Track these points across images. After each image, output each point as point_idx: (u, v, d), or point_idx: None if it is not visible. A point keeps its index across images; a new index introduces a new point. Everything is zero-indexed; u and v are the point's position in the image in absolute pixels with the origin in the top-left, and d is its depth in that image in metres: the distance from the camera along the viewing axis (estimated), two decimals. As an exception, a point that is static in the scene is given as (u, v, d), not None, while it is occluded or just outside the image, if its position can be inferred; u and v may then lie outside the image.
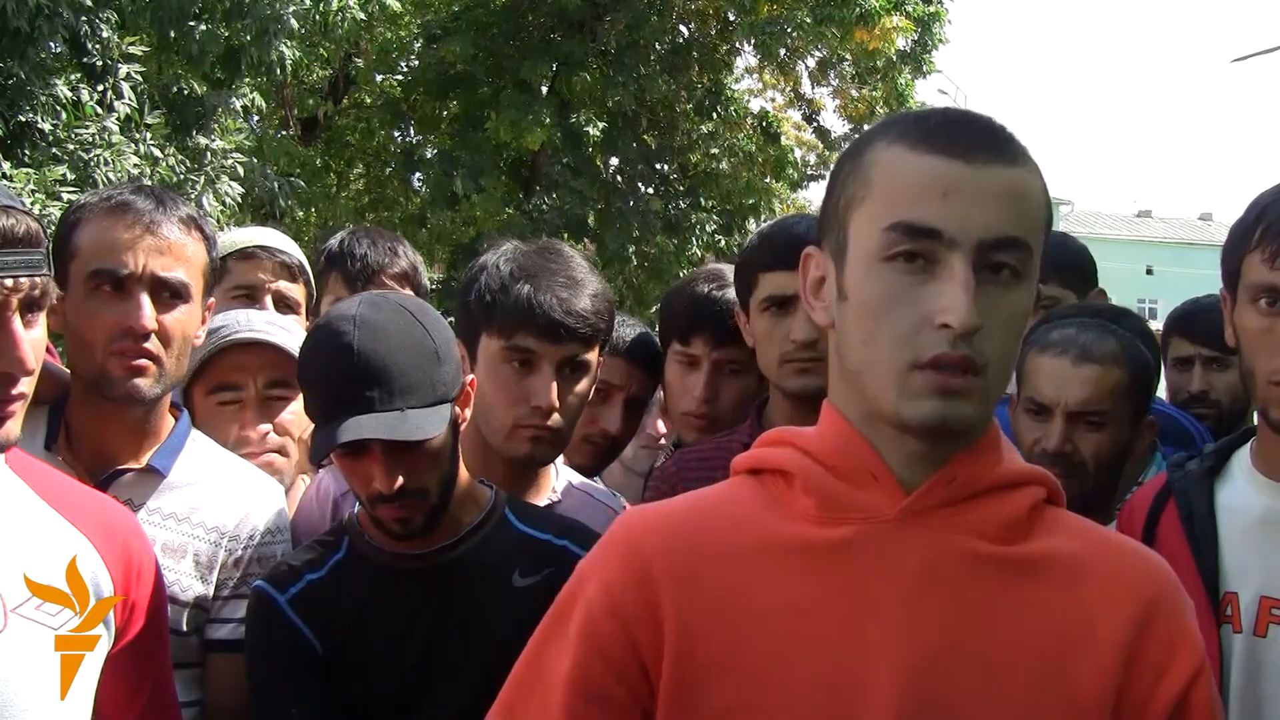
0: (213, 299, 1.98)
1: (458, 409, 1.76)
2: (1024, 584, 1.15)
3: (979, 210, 1.10)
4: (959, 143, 1.12)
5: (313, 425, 1.74)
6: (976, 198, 1.10)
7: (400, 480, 1.67)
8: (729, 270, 2.40)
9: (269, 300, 2.56)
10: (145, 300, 1.80)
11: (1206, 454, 1.76)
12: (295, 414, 2.19)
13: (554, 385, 1.96)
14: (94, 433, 1.87)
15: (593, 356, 2.02)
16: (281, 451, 2.19)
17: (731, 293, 2.30)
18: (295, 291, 2.62)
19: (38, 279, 1.37)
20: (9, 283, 1.34)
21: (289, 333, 2.21)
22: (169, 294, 1.83)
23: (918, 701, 1.10)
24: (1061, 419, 2.06)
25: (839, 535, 1.16)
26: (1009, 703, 1.12)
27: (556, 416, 1.97)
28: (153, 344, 1.80)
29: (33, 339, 1.39)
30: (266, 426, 2.17)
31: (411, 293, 2.55)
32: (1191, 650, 1.16)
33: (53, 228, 1.51)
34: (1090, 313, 2.22)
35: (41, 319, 1.41)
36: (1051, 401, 2.07)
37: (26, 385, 1.39)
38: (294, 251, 2.67)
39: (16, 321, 1.36)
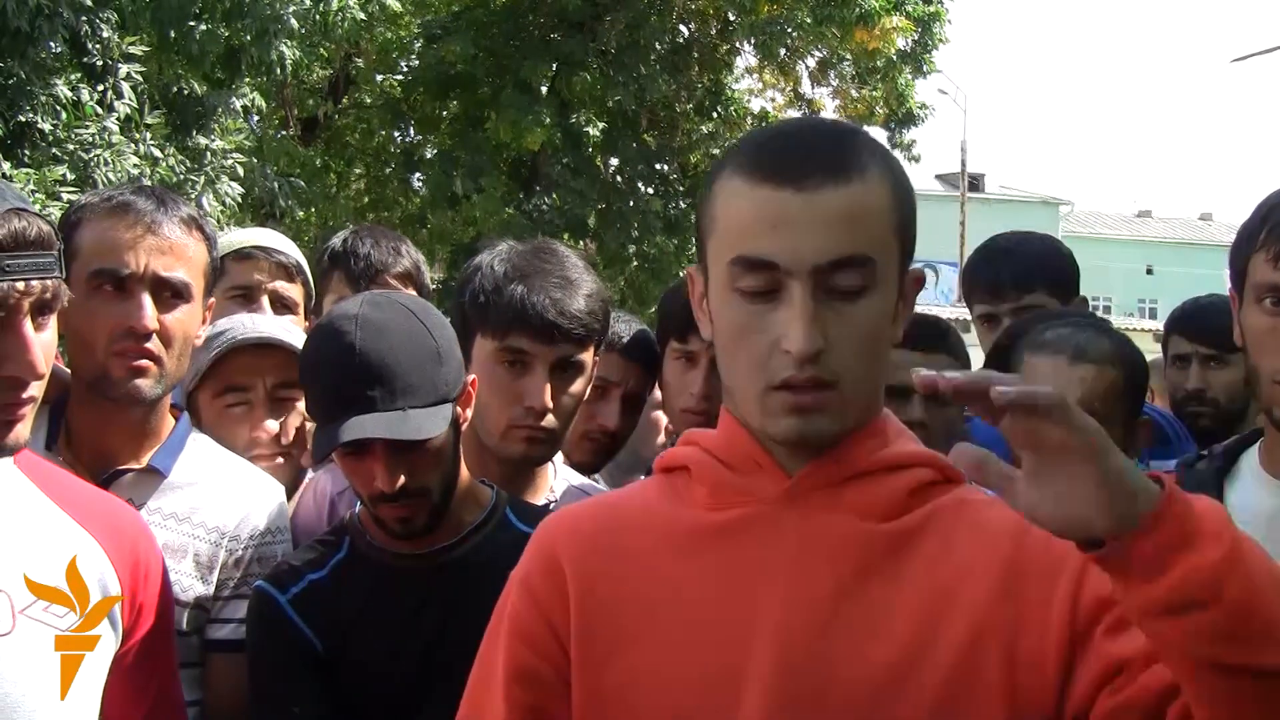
0: (213, 299, 1.98)
1: (459, 409, 1.76)
2: (900, 554, 1.22)
3: (810, 237, 1.15)
4: (789, 170, 1.16)
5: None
6: (807, 225, 1.15)
7: (402, 480, 1.67)
8: None
9: (265, 301, 2.55)
10: (147, 300, 1.80)
11: (1215, 454, 1.77)
12: (301, 413, 2.19)
13: (547, 386, 1.96)
14: (95, 433, 1.87)
15: (587, 357, 2.02)
16: (289, 455, 2.19)
17: None
18: (293, 291, 2.61)
19: (49, 282, 1.37)
20: (20, 286, 1.34)
21: (293, 333, 2.21)
22: (170, 294, 1.83)
23: (795, 666, 1.18)
24: None
25: (725, 518, 1.25)
26: (882, 660, 1.17)
27: (550, 417, 1.97)
28: (154, 344, 1.80)
29: (43, 341, 1.39)
30: (275, 425, 2.17)
31: (414, 292, 2.54)
32: (1069, 560, 1.15)
33: (53, 227, 1.51)
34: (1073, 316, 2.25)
35: (52, 321, 1.41)
36: None
37: (36, 389, 1.39)
38: (291, 251, 2.67)
39: (27, 325, 1.36)
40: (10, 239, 1.33)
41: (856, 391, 1.20)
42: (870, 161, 1.18)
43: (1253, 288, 1.59)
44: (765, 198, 1.16)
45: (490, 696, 1.30)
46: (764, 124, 16.70)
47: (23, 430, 1.40)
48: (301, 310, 2.65)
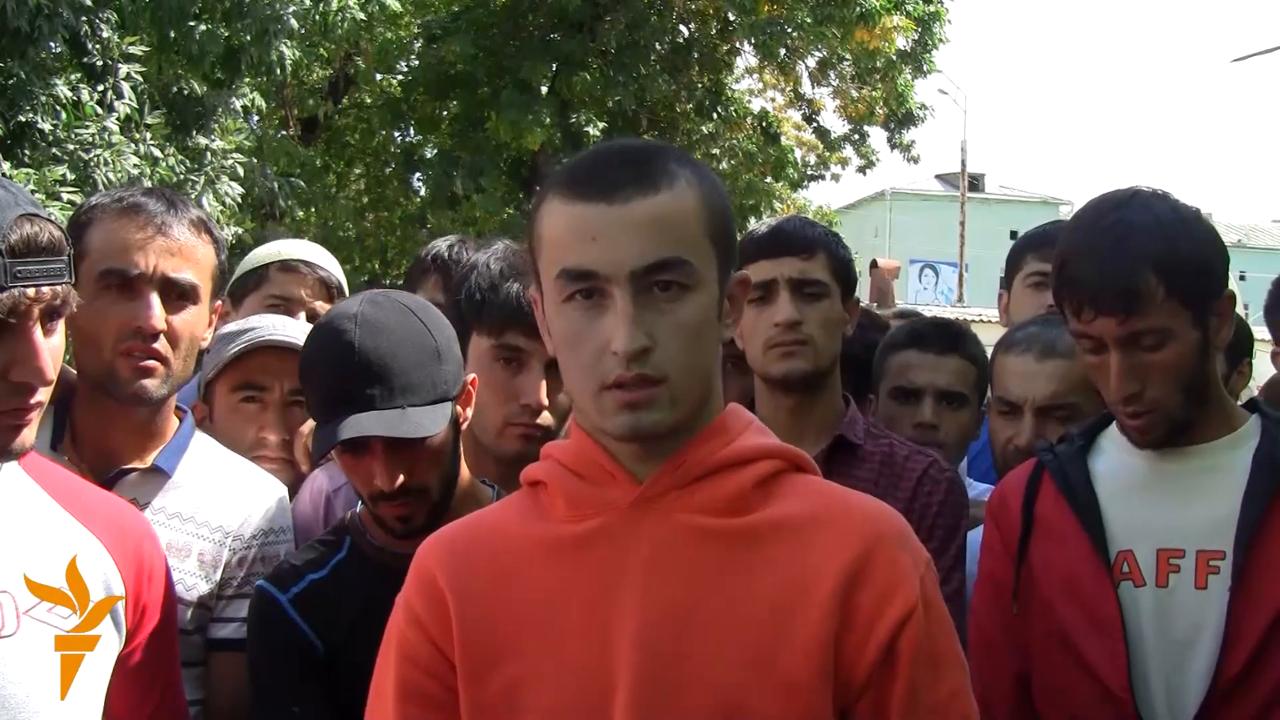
0: (219, 302, 1.98)
1: (459, 408, 1.77)
2: (750, 551, 1.28)
3: (624, 244, 1.23)
4: (600, 186, 1.24)
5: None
6: (622, 234, 1.23)
7: (401, 478, 1.68)
8: None
9: (303, 315, 2.55)
10: (155, 300, 1.81)
11: (1075, 435, 1.85)
12: (300, 431, 2.20)
13: (543, 383, 1.96)
14: (99, 433, 1.88)
15: None
16: (290, 462, 2.19)
17: None
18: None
19: (59, 288, 1.37)
20: (30, 292, 1.34)
21: None
22: (178, 295, 1.84)
23: (652, 668, 1.24)
24: (1031, 415, 2.12)
25: (584, 529, 1.31)
26: (734, 660, 1.23)
27: (546, 415, 1.98)
28: (161, 344, 1.81)
29: (52, 346, 1.39)
30: (285, 433, 2.18)
31: None
32: (904, 595, 1.25)
33: (54, 228, 1.53)
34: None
35: (60, 326, 1.41)
36: (1019, 399, 2.13)
37: (44, 394, 1.40)
38: (335, 270, 2.68)
39: (37, 331, 1.36)
40: (22, 245, 1.33)
41: (686, 385, 1.26)
42: (678, 171, 1.27)
43: (1073, 334, 1.74)
44: (581, 213, 1.25)
45: (384, 718, 1.35)
46: (764, 124, 16.78)
47: (29, 435, 1.40)
48: None
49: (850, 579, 1.25)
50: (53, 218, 1.40)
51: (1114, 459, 1.79)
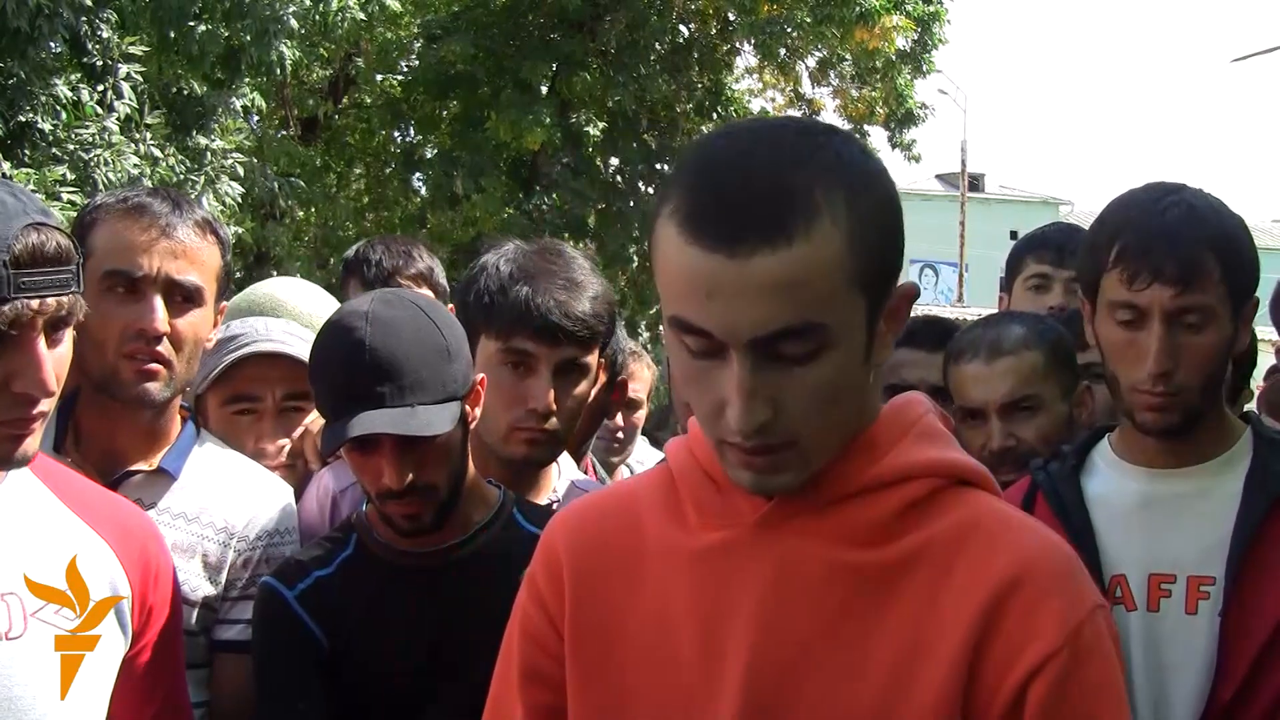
0: (224, 303, 1.97)
1: (468, 407, 1.76)
2: (882, 591, 1.13)
3: (746, 310, 1.04)
4: (722, 232, 1.04)
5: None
6: (741, 296, 1.03)
7: (410, 476, 1.67)
8: None
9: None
10: (159, 303, 1.80)
11: (1067, 454, 1.85)
12: (306, 428, 2.20)
13: (551, 388, 1.96)
14: (103, 434, 1.87)
15: (591, 359, 2.01)
16: (293, 465, 2.19)
17: None
18: None
19: (64, 298, 1.36)
20: (34, 304, 1.32)
21: (306, 342, 2.20)
22: (182, 297, 1.83)
23: (759, 708, 1.12)
24: (995, 417, 2.12)
25: (707, 542, 1.19)
26: (850, 711, 1.11)
27: (554, 419, 1.97)
28: (164, 347, 1.80)
29: (57, 355, 1.38)
30: (285, 441, 2.17)
31: (430, 292, 2.55)
32: (1041, 644, 1.08)
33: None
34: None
35: (67, 334, 1.40)
36: (980, 404, 2.13)
37: (47, 404, 1.39)
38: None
39: (40, 343, 1.35)
40: (27, 255, 1.31)
41: (820, 442, 1.12)
42: (823, 206, 1.04)
43: (1107, 304, 1.70)
44: (697, 262, 1.05)
45: (508, 697, 1.29)
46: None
47: (31, 444, 1.40)
48: None
49: (983, 628, 1.09)
50: (61, 225, 1.39)
51: (1108, 480, 1.79)
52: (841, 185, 1.06)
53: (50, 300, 1.34)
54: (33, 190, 6.88)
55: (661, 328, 1.25)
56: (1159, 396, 1.66)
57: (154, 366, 1.80)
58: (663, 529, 1.23)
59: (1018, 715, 1.08)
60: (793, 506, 1.15)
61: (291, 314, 2.40)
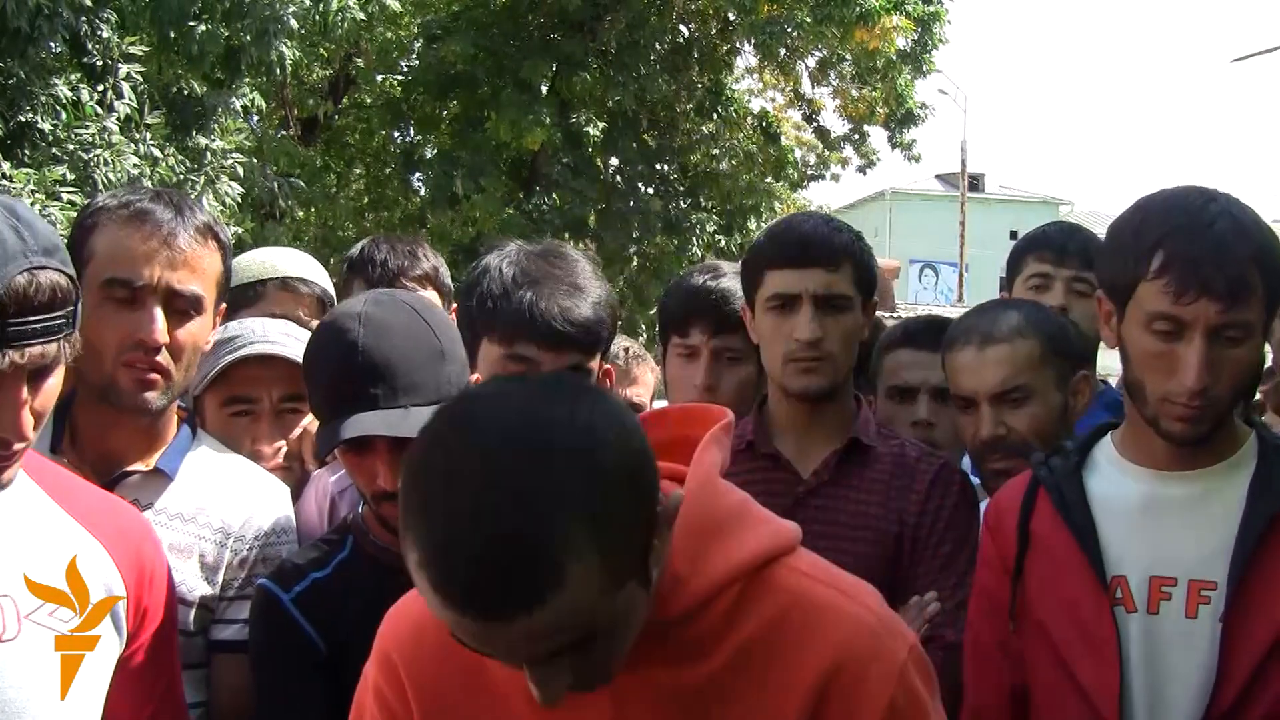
0: (224, 305, 1.97)
1: (463, 408, 1.76)
2: (712, 701, 1.21)
3: (519, 650, 1.08)
4: (480, 607, 1.04)
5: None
6: (512, 643, 1.07)
7: None
8: (725, 264, 2.42)
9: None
10: (158, 313, 1.79)
11: (1070, 450, 1.83)
12: (304, 429, 2.20)
13: None
14: (100, 435, 1.87)
15: (594, 364, 2.00)
16: (290, 466, 2.19)
17: (727, 282, 2.32)
18: None
19: (50, 348, 1.33)
20: (15, 356, 1.29)
21: (302, 342, 2.20)
22: (182, 307, 1.82)
23: None
24: (986, 406, 2.11)
25: None
26: None
27: None
28: (163, 357, 1.80)
29: (44, 392, 1.37)
30: (281, 443, 2.18)
31: (435, 294, 2.55)
32: (865, 717, 1.20)
33: (53, 227, 1.49)
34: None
35: (56, 372, 1.39)
36: (971, 392, 2.12)
37: (23, 445, 1.39)
38: (322, 280, 2.65)
39: (21, 392, 1.34)
40: (15, 304, 1.28)
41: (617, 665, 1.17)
42: (566, 562, 1.02)
43: (1144, 313, 1.64)
44: (462, 620, 1.05)
45: None
46: (764, 124, 16.77)
47: (10, 473, 1.41)
48: None
49: (811, 715, 1.21)
50: (65, 266, 1.35)
51: (1110, 480, 1.77)
52: (583, 509, 1.03)
53: (36, 349, 1.31)
54: (33, 190, 6.90)
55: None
56: (1194, 410, 1.63)
57: (152, 376, 1.80)
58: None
59: None
60: None
61: (279, 268, 2.52)
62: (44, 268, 1.31)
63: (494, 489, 1.02)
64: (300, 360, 2.08)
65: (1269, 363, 3.09)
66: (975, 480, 2.38)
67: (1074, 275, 2.58)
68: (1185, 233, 1.61)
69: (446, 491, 1.04)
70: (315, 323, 2.55)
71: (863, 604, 1.27)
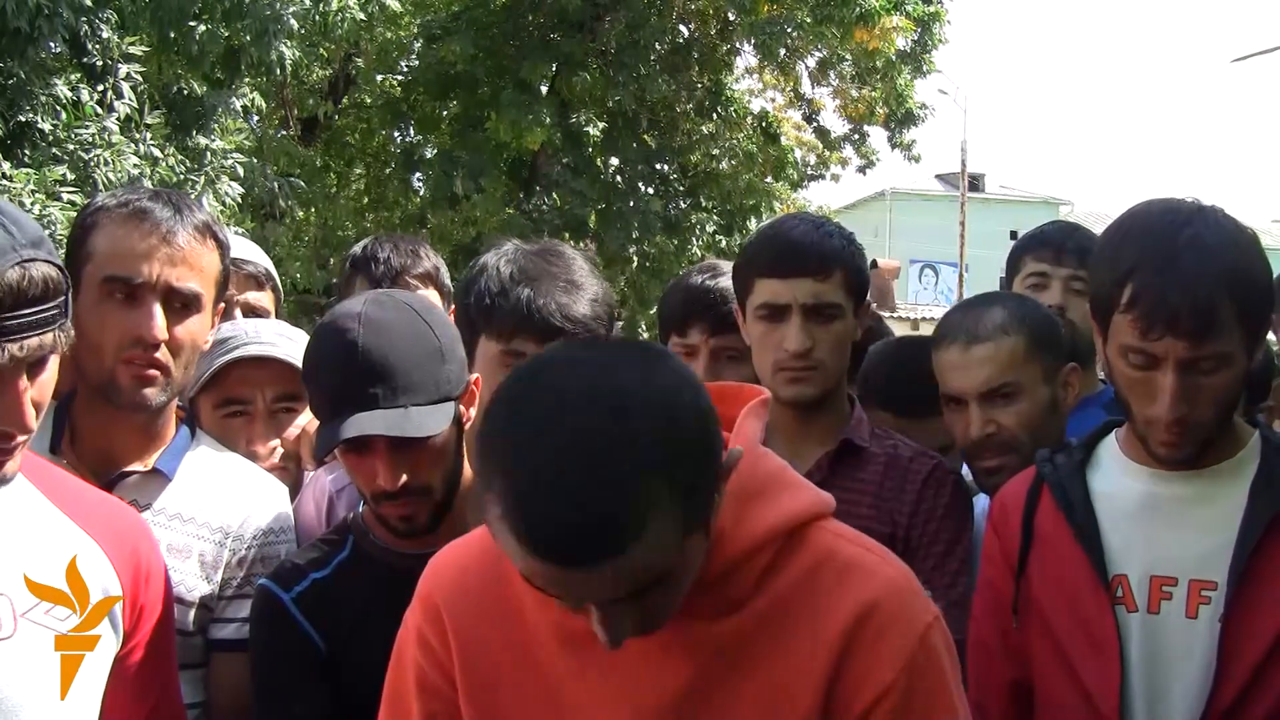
0: (223, 304, 1.97)
1: (462, 407, 1.76)
2: (740, 655, 1.27)
3: (597, 589, 1.14)
4: (566, 556, 1.11)
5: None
6: (591, 584, 1.13)
7: (404, 478, 1.67)
8: (724, 263, 2.42)
9: (238, 313, 2.53)
10: (157, 310, 1.80)
11: (1074, 447, 1.83)
12: (300, 428, 2.20)
13: None
14: (99, 435, 1.87)
15: None
16: (286, 467, 2.19)
17: (725, 281, 2.31)
18: (263, 299, 2.61)
19: (46, 338, 1.35)
20: (15, 349, 1.31)
21: (295, 343, 2.20)
22: (181, 304, 1.83)
23: None
24: (975, 404, 2.10)
25: (579, 624, 1.25)
26: None
27: None
28: (162, 354, 1.80)
29: (41, 382, 1.39)
30: (275, 442, 2.18)
31: (436, 293, 2.55)
32: (879, 676, 1.25)
33: (53, 227, 1.50)
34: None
35: (52, 361, 1.40)
36: (959, 391, 2.12)
37: (25, 437, 1.40)
38: (259, 259, 2.67)
39: (21, 383, 1.35)
40: (10, 297, 1.30)
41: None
42: (648, 516, 1.10)
43: (1117, 347, 1.66)
44: (546, 569, 1.12)
45: (403, 708, 1.40)
46: (764, 124, 16.77)
47: (11, 467, 1.41)
48: (273, 315, 2.65)
49: (835, 665, 1.26)
50: (52, 256, 1.37)
51: (1113, 478, 1.78)
52: (660, 465, 1.10)
53: (33, 341, 1.33)
54: (33, 190, 6.90)
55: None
56: (1174, 435, 1.65)
57: (151, 373, 1.80)
58: (529, 604, 1.33)
59: None
60: None
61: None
62: (34, 260, 1.33)
63: (578, 448, 1.08)
64: (293, 361, 2.10)
65: None
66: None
67: (1071, 274, 2.58)
68: (1152, 266, 1.60)
69: (531, 450, 1.10)
70: (248, 296, 2.55)
71: (894, 566, 1.33)
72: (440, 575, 1.41)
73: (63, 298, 1.37)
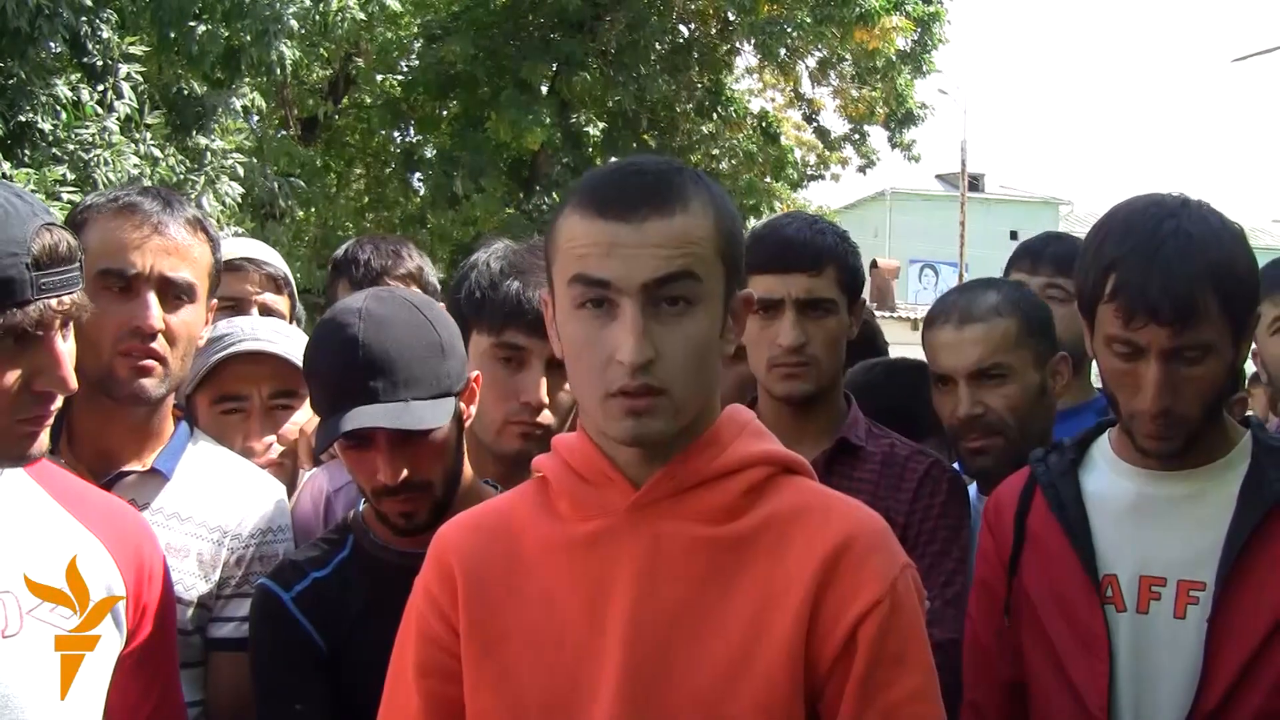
0: (216, 300, 1.98)
1: (462, 403, 1.76)
2: (735, 557, 1.35)
3: (639, 259, 1.30)
4: (620, 207, 1.31)
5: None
6: (637, 249, 1.30)
7: (405, 472, 1.68)
8: None
9: (254, 312, 2.55)
10: (153, 300, 1.81)
11: (1067, 447, 1.84)
12: (296, 424, 2.20)
13: (544, 382, 1.97)
14: (97, 434, 1.87)
15: None
16: (283, 463, 2.20)
17: None
18: (280, 304, 2.62)
19: (75, 296, 1.40)
20: (54, 304, 1.37)
21: (291, 339, 2.21)
22: (175, 294, 1.84)
23: (638, 668, 1.31)
24: (964, 384, 2.11)
25: (584, 531, 1.38)
26: (715, 661, 1.31)
27: (547, 413, 1.98)
28: (159, 344, 1.81)
29: (68, 352, 1.42)
30: (271, 438, 2.18)
31: (420, 292, 2.56)
32: (869, 591, 1.31)
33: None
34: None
35: (71, 330, 1.43)
36: (949, 370, 2.13)
37: (59, 400, 1.43)
38: (278, 263, 2.68)
39: (59, 340, 1.39)
40: (45, 256, 1.35)
41: (687, 397, 1.33)
42: (694, 193, 1.34)
43: (1103, 337, 1.68)
44: (599, 228, 1.31)
45: (404, 691, 1.45)
46: (764, 124, 16.78)
47: (45, 440, 1.43)
48: (288, 321, 2.66)
49: (821, 582, 1.32)
50: (63, 225, 1.42)
51: (1105, 478, 1.78)
52: (705, 185, 1.37)
53: (67, 299, 1.38)
54: (33, 190, 6.91)
55: (553, 322, 1.40)
56: (1159, 428, 1.65)
57: (149, 363, 1.81)
58: (540, 529, 1.42)
59: (850, 651, 1.30)
60: (656, 494, 1.36)
61: (235, 250, 2.52)
62: (53, 225, 1.39)
63: (652, 159, 1.38)
64: (289, 356, 2.10)
65: None
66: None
67: (1048, 281, 2.60)
68: (1135, 256, 1.62)
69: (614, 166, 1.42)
70: (266, 297, 2.56)
71: (873, 513, 1.42)
72: (451, 537, 1.47)
73: (80, 262, 1.42)
